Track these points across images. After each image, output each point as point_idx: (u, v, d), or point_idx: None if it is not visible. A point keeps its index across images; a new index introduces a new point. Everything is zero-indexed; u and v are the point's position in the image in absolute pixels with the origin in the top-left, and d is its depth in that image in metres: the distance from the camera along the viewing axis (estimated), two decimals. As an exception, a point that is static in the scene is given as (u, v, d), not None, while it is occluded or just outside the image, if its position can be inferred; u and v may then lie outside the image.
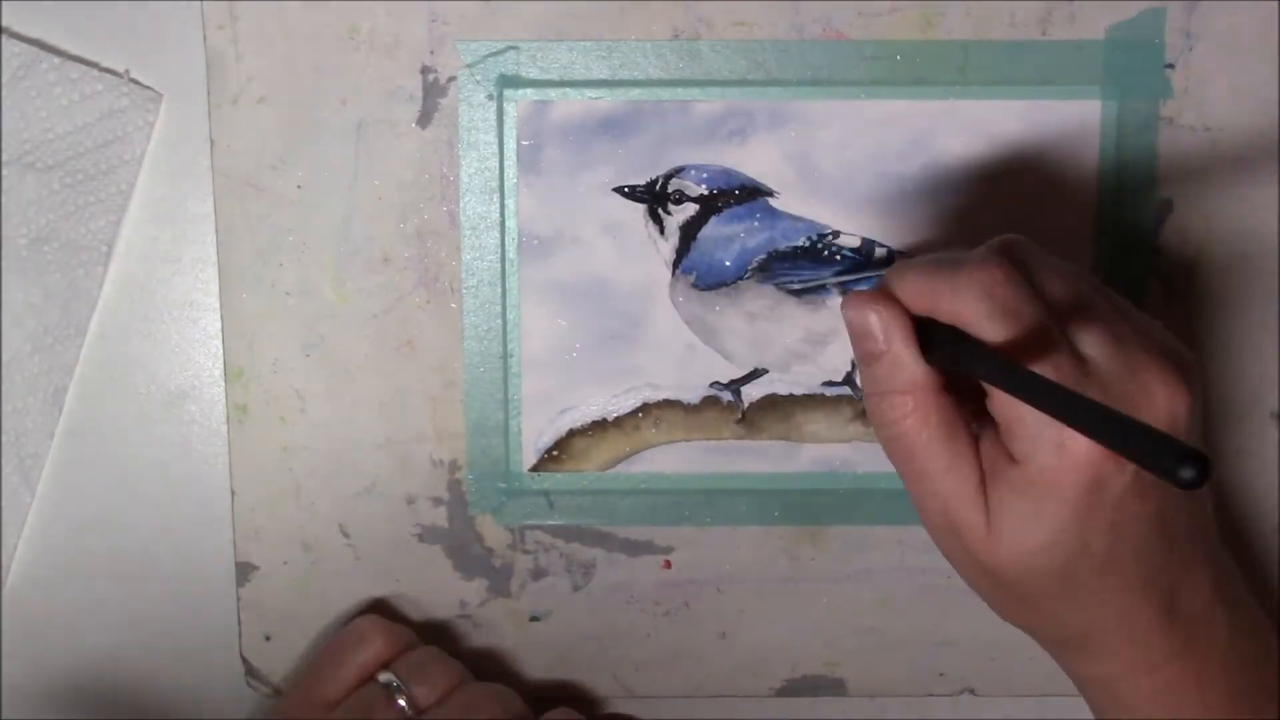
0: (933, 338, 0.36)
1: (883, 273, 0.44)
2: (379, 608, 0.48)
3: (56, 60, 0.45)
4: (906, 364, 0.36)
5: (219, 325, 0.46)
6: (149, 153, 0.46)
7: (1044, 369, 0.33)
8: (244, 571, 0.48)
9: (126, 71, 0.45)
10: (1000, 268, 0.35)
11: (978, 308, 0.34)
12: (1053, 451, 0.34)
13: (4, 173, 0.45)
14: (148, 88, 0.45)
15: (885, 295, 0.37)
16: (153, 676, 0.49)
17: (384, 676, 0.45)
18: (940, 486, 0.37)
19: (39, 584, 0.48)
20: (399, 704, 0.44)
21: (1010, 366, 0.33)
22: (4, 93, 0.45)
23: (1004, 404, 0.35)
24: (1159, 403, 0.35)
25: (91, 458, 0.47)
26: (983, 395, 0.36)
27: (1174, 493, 0.36)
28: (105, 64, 0.45)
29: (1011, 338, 0.34)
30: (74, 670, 0.49)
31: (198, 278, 0.47)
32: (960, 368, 0.35)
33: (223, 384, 0.47)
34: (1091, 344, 0.35)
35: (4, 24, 0.45)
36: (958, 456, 0.36)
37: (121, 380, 0.47)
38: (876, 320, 0.36)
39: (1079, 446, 0.34)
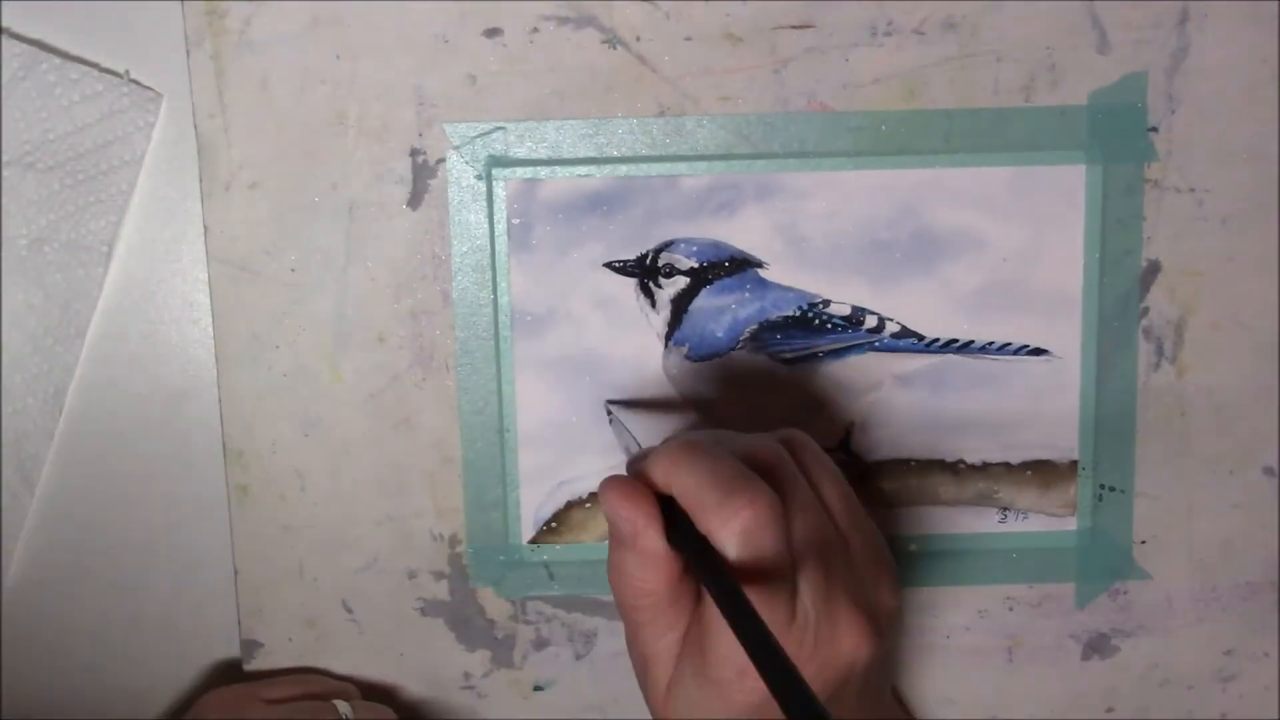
0: (677, 520, 0.37)
1: (874, 339, 0.44)
2: (383, 684, 0.49)
3: (56, 60, 0.45)
4: (653, 567, 0.37)
5: (219, 327, 0.47)
6: (149, 153, 0.46)
7: (760, 602, 0.35)
8: (249, 649, 0.48)
9: (126, 72, 0.46)
10: (767, 510, 0.35)
11: (732, 541, 0.35)
12: (733, 673, 0.36)
13: (4, 173, 0.45)
14: (148, 88, 0.46)
15: (644, 491, 0.37)
16: (153, 677, 0.49)
17: (342, 706, 0.45)
18: (648, 648, 0.39)
19: (39, 584, 0.48)
20: None
21: (731, 593, 0.34)
22: (4, 93, 0.45)
23: (709, 612, 0.36)
24: (843, 650, 0.37)
25: (91, 458, 0.48)
26: None
27: (837, 709, 0.38)
28: (105, 64, 0.46)
29: (748, 569, 0.35)
30: (74, 670, 0.49)
31: (198, 278, 0.47)
32: (691, 562, 0.36)
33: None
34: (808, 587, 0.36)
35: (4, 24, 0.45)
36: (671, 629, 0.38)
37: (121, 380, 0.47)
38: (631, 521, 0.37)
39: (757, 679, 0.35)
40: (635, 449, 0.44)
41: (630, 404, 0.46)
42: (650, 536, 0.37)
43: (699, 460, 0.37)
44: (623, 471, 0.42)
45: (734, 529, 0.35)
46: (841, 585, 0.37)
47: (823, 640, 0.37)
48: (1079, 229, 0.46)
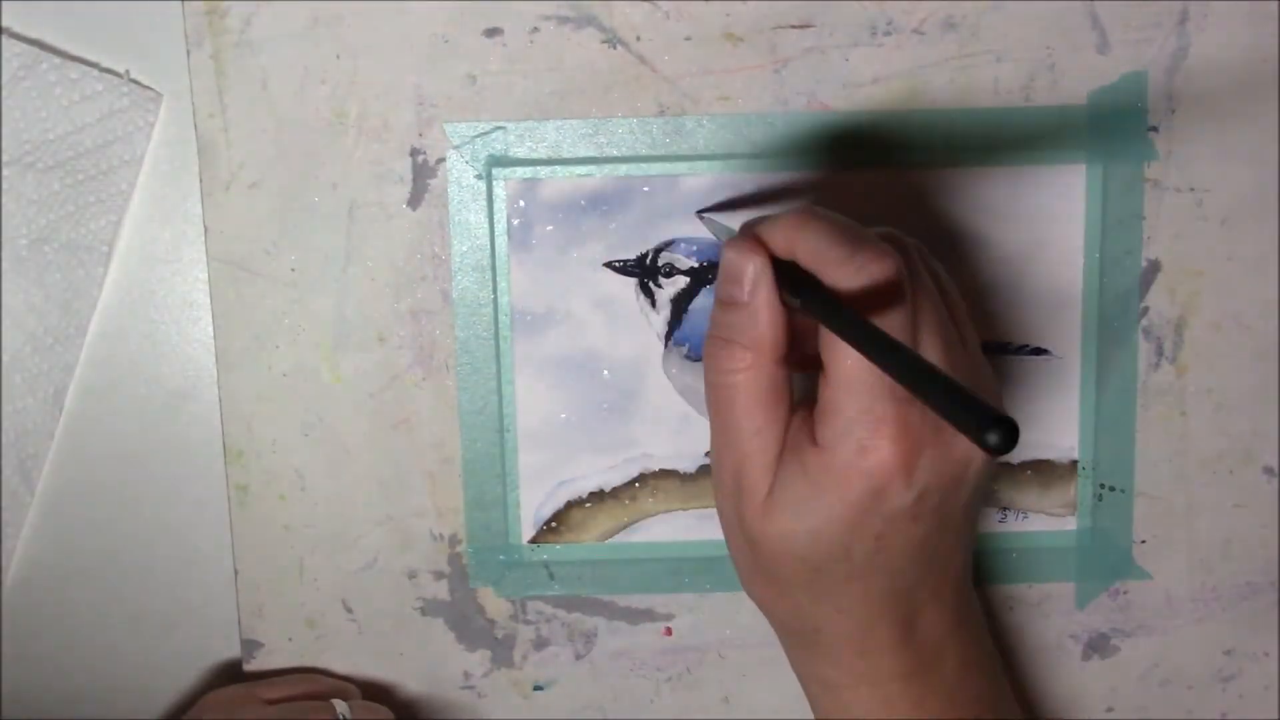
0: (793, 277, 0.36)
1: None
2: (383, 684, 0.49)
3: (56, 60, 0.45)
4: (762, 324, 0.37)
5: (219, 327, 0.46)
6: (149, 153, 0.46)
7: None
8: (249, 649, 0.48)
9: (126, 72, 0.45)
10: (894, 268, 0.35)
11: (859, 291, 0.35)
12: (853, 449, 0.35)
13: (4, 173, 0.45)
14: (148, 88, 0.46)
15: (764, 248, 0.37)
16: (152, 677, 0.49)
17: (340, 705, 0.45)
18: (744, 445, 0.37)
19: (39, 584, 0.48)
20: None
21: (863, 322, 0.33)
22: (4, 93, 0.45)
23: (830, 387, 0.36)
24: (962, 443, 0.36)
25: (91, 458, 0.48)
26: (817, 369, 0.37)
27: (944, 523, 0.37)
28: (105, 64, 0.45)
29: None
30: (74, 670, 0.49)
31: (198, 278, 0.47)
32: (810, 312, 0.36)
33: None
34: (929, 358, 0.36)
35: (4, 24, 0.45)
36: (770, 423, 0.37)
37: (121, 380, 0.47)
38: (751, 271, 0.37)
39: (879, 453, 0.35)
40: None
41: (722, 206, 0.46)
42: (764, 287, 0.36)
43: (824, 220, 0.36)
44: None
45: (860, 280, 0.35)
46: (962, 376, 0.36)
47: (943, 427, 0.35)
48: (1079, 229, 0.46)
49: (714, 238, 0.45)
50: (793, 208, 0.38)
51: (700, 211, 0.45)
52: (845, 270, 0.35)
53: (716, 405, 0.38)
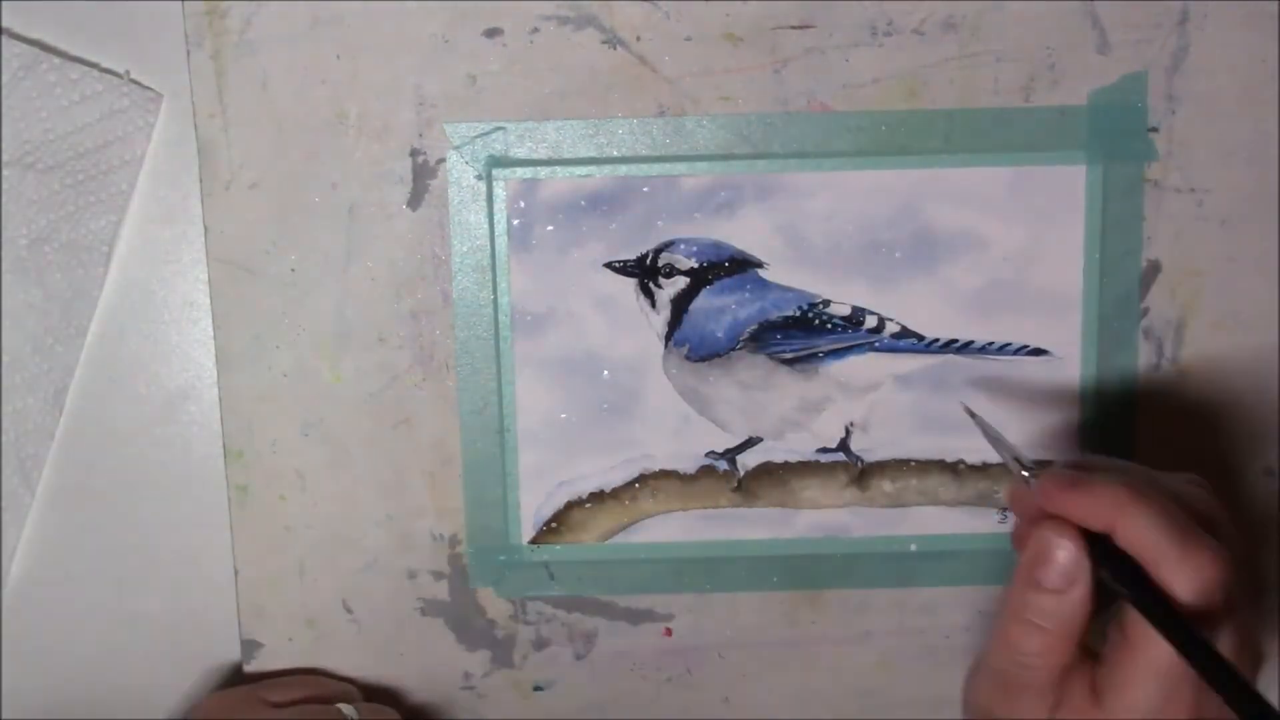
0: (1106, 553, 0.36)
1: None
2: (383, 685, 0.49)
3: (56, 60, 0.45)
4: (1077, 615, 0.36)
5: (219, 327, 0.46)
6: (149, 153, 0.46)
7: None
8: (249, 649, 0.48)
9: (126, 72, 0.46)
10: (1227, 570, 0.34)
11: (1191, 596, 0.34)
12: None
13: (4, 173, 0.45)
14: (148, 88, 0.46)
15: (1078, 533, 0.36)
16: (152, 677, 0.49)
17: (346, 709, 0.45)
18: (1021, 708, 0.37)
19: (39, 584, 0.48)
20: None
21: (1195, 639, 0.33)
22: (4, 93, 0.45)
23: (1128, 665, 0.35)
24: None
25: (91, 458, 0.48)
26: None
27: None
28: (105, 64, 0.46)
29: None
30: (74, 670, 0.49)
31: (198, 278, 0.47)
32: (1130, 600, 0.35)
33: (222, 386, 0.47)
34: (1229, 645, 0.35)
35: (4, 24, 0.45)
36: (1046, 711, 0.37)
37: (121, 380, 0.47)
38: (1071, 564, 0.36)
39: None
40: (1014, 453, 0.40)
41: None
42: (1083, 582, 0.35)
43: (1153, 505, 0.35)
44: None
45: (1196, 585, 0.34)
46: (1249, 640, 0.36)
47: None
48: (1079, 229, 0.46)
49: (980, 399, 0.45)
50: (1116, 477, 0.36)
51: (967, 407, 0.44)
52: (1180, 571, 0.34)
53: (1007, 680, 0.37)
